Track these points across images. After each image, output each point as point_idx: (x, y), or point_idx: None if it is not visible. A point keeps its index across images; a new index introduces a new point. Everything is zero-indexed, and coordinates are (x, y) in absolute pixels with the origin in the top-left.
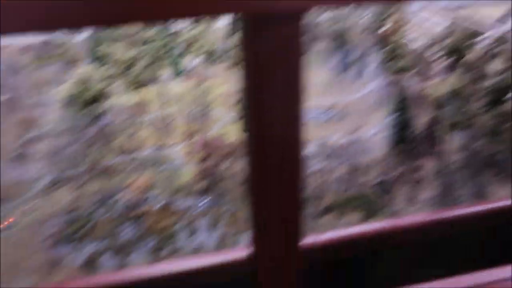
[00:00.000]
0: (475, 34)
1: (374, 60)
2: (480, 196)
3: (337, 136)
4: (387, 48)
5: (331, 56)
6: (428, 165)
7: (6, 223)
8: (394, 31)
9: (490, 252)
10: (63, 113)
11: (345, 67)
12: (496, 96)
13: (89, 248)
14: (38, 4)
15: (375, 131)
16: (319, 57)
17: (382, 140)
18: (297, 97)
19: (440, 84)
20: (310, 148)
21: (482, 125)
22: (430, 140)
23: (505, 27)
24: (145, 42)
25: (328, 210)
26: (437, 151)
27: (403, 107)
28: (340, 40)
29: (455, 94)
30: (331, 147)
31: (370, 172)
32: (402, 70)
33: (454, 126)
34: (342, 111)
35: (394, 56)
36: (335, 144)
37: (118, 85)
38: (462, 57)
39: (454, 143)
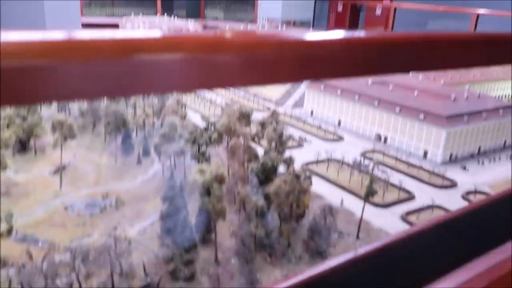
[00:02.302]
0: (248, 115)
1: (154, 143)
2: (253, 282)
3: (100, 234)
4: (165, 130)
5: (112, 139)
6: (203, 255)
7: None
8: (173, 111)
9: None
10: None
11: (127, 150)
12: (264, 177)
13: None
14: None
15: (146, 224)
16: (98, 139)
17: (152, 234)
18: None
19: (210, 167)
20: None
21: (252, 207)
22: (202, 228)
23: (282, 108)
24: None
25: None
26: (210, 239)
27: (174, 195)
28: (120, 122)
29: (221, 179)
30: (94, 248)
31: (136, 274)
32: (179, 152)
33: (221, 213)
34: (118, 199)
35: (170, 138)
36: (98, 244)
37: None
38: (234, 138)
39: (225, 229)
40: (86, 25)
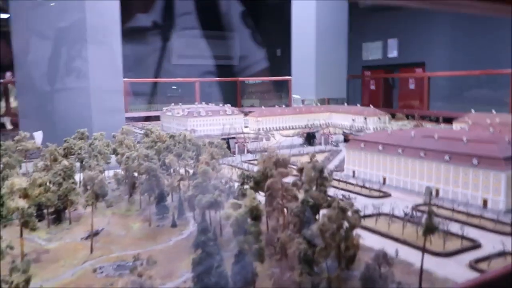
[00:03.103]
0: (285, 161)
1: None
2: None
3: None
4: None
5: (147, 204)
6: None
7: None
8: (207, 164)
9: None
10: None
11: (161, 214)
12: (305, 218)
13: None
14: None
15: (178, 282)
16: (133, 207)
17: None
18: None
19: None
20: None
21: (294, 252)
22: (240, 279)
23: None
24: None
25: None
26: None
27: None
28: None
29: (257, 214)
30: None
31: None
32: (213, 204)
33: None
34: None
35: (203, 188)
36: None
37: None
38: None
39: (266, 280)
40: (129, 118)
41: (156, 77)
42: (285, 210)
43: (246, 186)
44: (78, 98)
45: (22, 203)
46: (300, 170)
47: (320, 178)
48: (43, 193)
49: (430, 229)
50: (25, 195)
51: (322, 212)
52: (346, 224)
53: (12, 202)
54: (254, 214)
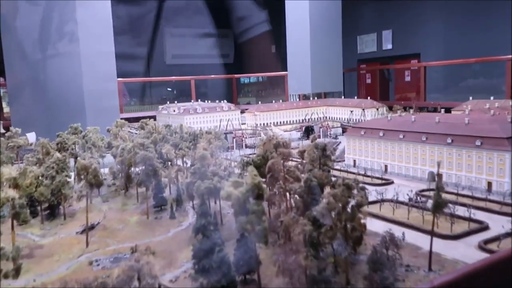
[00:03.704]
0: (286, 143)
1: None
2: None
3: None
4: (196, 165)
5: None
6: None
7: None
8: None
9: None
10: None
11: (159, 206)
12: (309, 198)
13: None
14: None
15: (178, 272)
16: (131, 201)
17: (185, 281)
18: None
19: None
20: None
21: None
22: (242, 265)
23: None
24: None
25: None
26: (253, 280)
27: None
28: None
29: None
30: None
31: None
32: (212, 190)
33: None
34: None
35: (202, 174)
36: None
37: None
38: (271, 159)
39: (270, 267)
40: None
41: (150, 77)
42: (288, 194)
43: (246, 173)
44: (71, 97)
45: (12, 193)
46: (302, 153)
47: (323, 156)
48: (35, 183)
49: (439, 205)
50: (15, 185)
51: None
52: (352, 202)
53: (2, 192)
54: (256, 192)
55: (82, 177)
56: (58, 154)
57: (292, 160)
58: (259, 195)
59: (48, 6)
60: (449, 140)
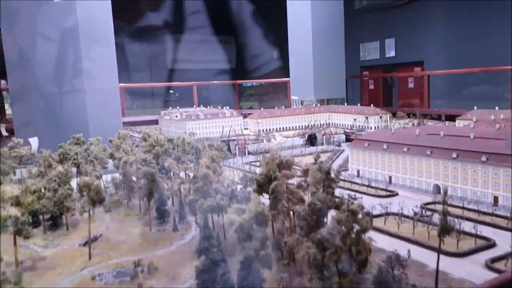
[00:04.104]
0: (289, 163)
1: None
2: None
3: None
4: (199, 184)
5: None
6: None
7: None
8: (207, 167)
9: None
10: None
11: (162, 218)
12: (314, 221)
13: None
14: None
15: None
16: (133, 211)
17: None
18: None
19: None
20: None
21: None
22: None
23: None
24: None
25: None
26: None
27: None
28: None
29: (262, 219)
30: None
31: None
32: (215, 208)
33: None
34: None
35: (205, 192)
36: None
37: None
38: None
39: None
40: (127, 123)
41: (152, 82)
42: (291, 213)
43: (249, 189)
44: (73, 103)
45: (14, 211)
46: (305, 172)
47: (327, 179)
48: (36, 200)
49: (445, 230)
50: (17, 203)
51: (331, 214)
52: (356, 227)
53: (4, 211)
54: (260, 219)
55: (85, 193)
56: (60, 168)
57: (295, 168)
58: (262, 222)
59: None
60: (454, 155)
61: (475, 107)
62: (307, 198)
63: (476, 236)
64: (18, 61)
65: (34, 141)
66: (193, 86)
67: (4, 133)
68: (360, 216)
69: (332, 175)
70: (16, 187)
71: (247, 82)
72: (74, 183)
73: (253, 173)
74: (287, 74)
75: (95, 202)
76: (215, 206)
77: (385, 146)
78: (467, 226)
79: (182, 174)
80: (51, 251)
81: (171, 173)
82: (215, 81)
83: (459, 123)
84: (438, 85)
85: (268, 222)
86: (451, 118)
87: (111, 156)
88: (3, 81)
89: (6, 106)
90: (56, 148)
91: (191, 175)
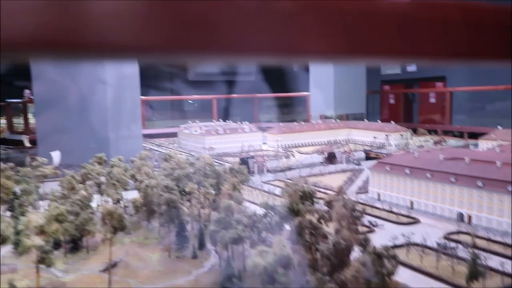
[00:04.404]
0: (311, 194)
1: (209, 231)
2: None
3: None
4: (221, 215)
5: (167, 233)
6: None
7: None
8: (229, 196)
9: None
10: None
11: (181, 244)
12: (337, 260)
13: None
14: None
15: None
16: (152, 234)
17: None
18: None
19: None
20: None
21: None
22: None
23: (345, 196)
24: None
25: None
26: None
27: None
28: (175, 214)
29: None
30: None
31: None
32: (237, 239)
33: None
34: None
35: (226, 224)
36: None
37: None
38: (298, 218)
39: None
40: (146, 135)
41: (173, 94)
42: (312, 247)
43: (268, 219)
44: (96, 118)
45: (38, 240)
46: (328, 203)
47: (352, 217)
48: (61, 228)
49: (474, 275)
50: (41, 231)
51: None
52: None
53: (28, 240)
54: (284, 263)
55: (107, 221)
56: (83, 192)
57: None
58: (286, 265)
59: None
60: (479, 184)
61: (499, 127)
62: (329, 228)
63: (503, 273)
64: (45, 74)
65: (56, 155)
66: (212, 99)
67: (27, 144)
68: (385, 259)
69: (357, 212)
70: (41, 215)
71: (266, 96)
72: (94, 203)
73: (272, 194)
74: (307, 88)
75: (117, 230)
76: (237, 238)
77: (407, 171)
78: (493, 261)
79: (201, 198)
80: (71, 276)
81: (191, 197)
82: (234, 95)
83: (482, 143)
84: (461, 100)
85: (293, 265)
86: (474, 135)
87: (132, 176)
88: (27, 92)
89: (29, 117)
90: (77, 161)
91: (211, 198)
